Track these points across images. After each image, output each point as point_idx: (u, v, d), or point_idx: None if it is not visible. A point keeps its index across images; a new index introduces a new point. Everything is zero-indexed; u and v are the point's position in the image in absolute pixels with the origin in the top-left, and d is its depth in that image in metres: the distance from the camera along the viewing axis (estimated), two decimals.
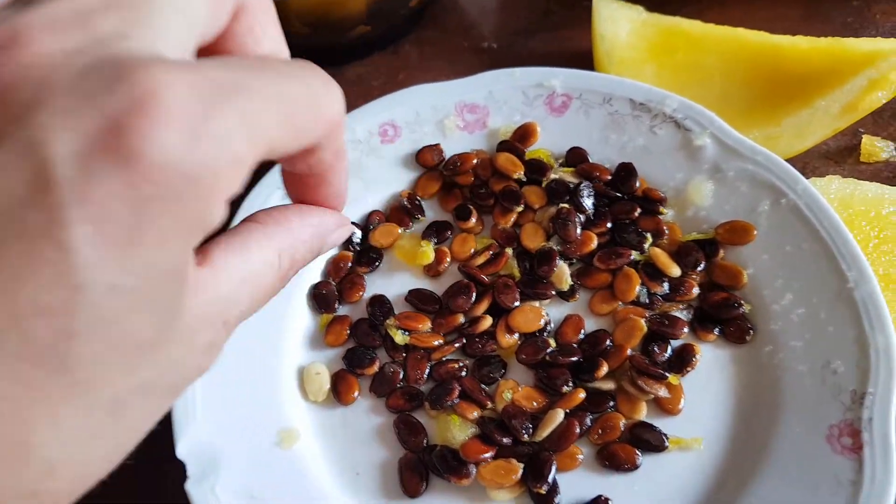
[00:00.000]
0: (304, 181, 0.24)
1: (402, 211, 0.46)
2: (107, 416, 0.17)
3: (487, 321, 0.41)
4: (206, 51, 0.23)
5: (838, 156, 0.49)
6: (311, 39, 0.54)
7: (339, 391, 0.40)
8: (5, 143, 0.15)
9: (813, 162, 0.49)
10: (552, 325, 0.42)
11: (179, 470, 0.36)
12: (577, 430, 0.37)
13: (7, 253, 0.15)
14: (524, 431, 0.37)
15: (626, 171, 0.45)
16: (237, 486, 0.36)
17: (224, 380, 0.39)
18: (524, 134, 0.47)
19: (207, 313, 0.19)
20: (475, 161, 0.46)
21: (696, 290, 0.42)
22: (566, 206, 0.44)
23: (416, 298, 0.43)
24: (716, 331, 0.41)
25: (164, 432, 0.37)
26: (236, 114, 0.17)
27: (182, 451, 0.36)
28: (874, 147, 0.48)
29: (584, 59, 0.52)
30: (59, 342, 0.16)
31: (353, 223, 0.45)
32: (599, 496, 0.36)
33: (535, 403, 0.39)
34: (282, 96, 0.18)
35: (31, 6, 0.17)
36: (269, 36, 0.23)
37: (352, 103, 0.48)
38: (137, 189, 0.15)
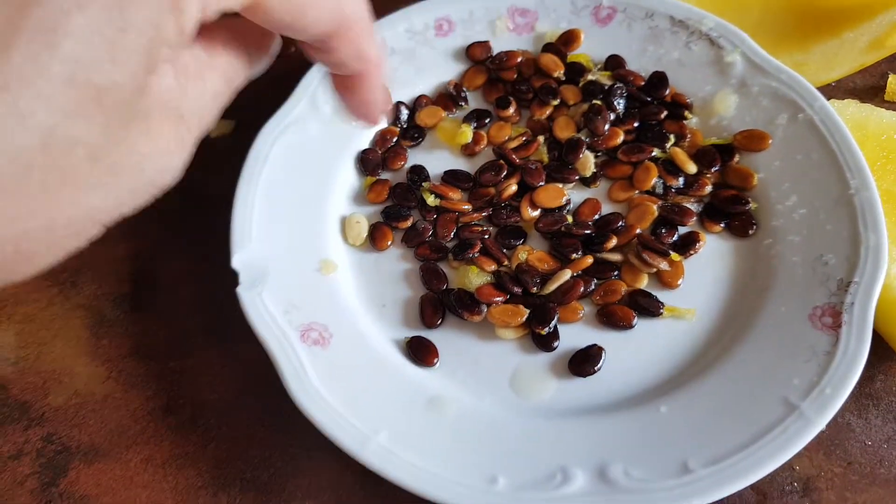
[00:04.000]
0: (343, 83, 0.27)
1: (447, 97, 0.51)
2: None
3: (513, 187, 0.45)
4: None
5: (864, 94, 0.52)
6: None
7: (374, 238, 0.45)
8: None
9: (839, 97, 0.52)
10: (572, 205, 0.46)
11: (232, 279, 0.41)
12: (582, 290, 0.41)
13: None
14: (533, 284, 0.42)
15: (658, 79, 0.48)
16: (280, 296, 0.41)
17: (278, 212, 0.44)
18: (568, 39, 0.51)
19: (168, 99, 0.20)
20: (520, 59, 0.51)
21: (709, 188, 0.45)
22: (598, 102, 0.48)
23: (451, 177, 0.48)
24: (722, 224, 0.44)
25: (219, 246, 0.42)
26: None
27: (236, 262, 0.42)
28: None
29: None
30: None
31: (402, 103, 0.50)
32: (594, 345, 0.40)
33: (546, 266, 0.43)
34: None
35: None
36: None
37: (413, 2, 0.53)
38: None
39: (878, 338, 0.40)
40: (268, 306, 0.40)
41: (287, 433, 0.41)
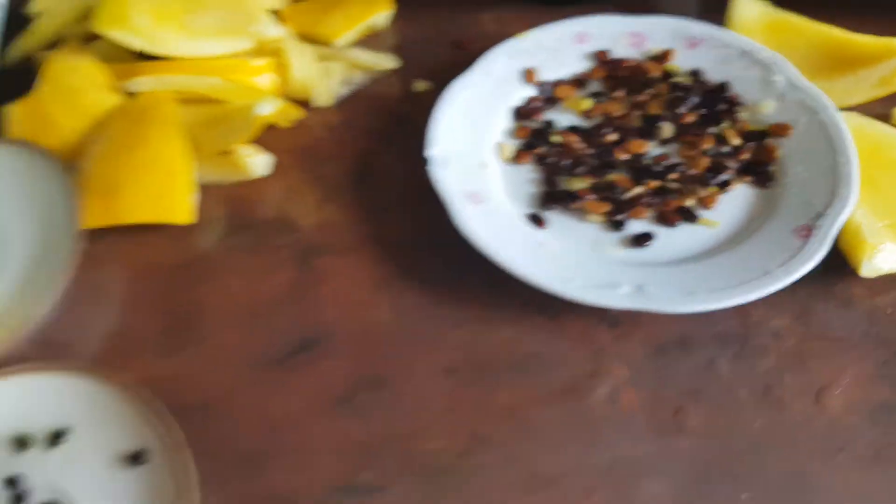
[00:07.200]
0: None
1: (577, 82, 0.75)
2: None
3: (613, 136, 0.69)
4: None
5: (877, 119, 0.72)
6: None
7: (517, 157, 0.70)
8: None
9: None
10: (651, 155, 0.69)
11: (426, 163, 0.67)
12: (647, 200, 0.64)
13: None
14: (616, 193, 0.65)
15: (722, 86, 0.72)
16: (455, 175, 0.66)
17: (457, 130, 0.69)
18: (666, 54, 0.75)
19: None
20: (631, 64, 0.75)
21: (747, 156, 0.67)
22: (680, 94, 0.71)
23: (572, 128, 0.72)
24: (750, 178, 0.66)
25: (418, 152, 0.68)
26: None
27: (431, 153, 0.67)
28: None
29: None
30: None
31: (546, 82, 0.75)
32: (648, 232, 0.63)
33: (627, 185, 0.66)
34: None
35: None
36: None
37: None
38: None
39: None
40: (448, 179, 0.65)
41: (445, 259, 0.65)
